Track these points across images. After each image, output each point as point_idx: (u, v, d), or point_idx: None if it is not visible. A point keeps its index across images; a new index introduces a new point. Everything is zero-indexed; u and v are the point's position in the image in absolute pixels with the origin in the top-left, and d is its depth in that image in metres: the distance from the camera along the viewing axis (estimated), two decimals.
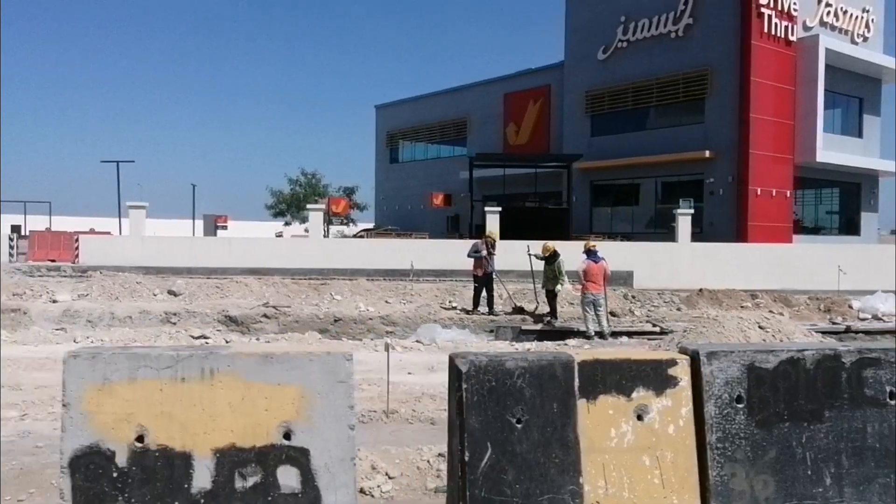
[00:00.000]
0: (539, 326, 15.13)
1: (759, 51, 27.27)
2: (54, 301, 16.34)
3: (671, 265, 19.31)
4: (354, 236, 37.97)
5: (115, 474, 2.96)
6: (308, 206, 21.16)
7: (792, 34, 28.21)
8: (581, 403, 3.24)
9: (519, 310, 16.29)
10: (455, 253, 20.34)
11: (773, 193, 27.89)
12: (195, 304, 16.36)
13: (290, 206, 34.24)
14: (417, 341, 13.92)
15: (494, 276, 16.09)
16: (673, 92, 29.81)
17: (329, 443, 3.03)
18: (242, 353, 3.10)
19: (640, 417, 3.30)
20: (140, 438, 2.99)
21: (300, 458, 3.01)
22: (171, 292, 17.03)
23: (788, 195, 28.57)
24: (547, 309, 16.04)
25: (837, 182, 31.98)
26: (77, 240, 19.70)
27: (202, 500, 2.96)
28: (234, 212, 66.57)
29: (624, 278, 20.06)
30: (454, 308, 16.69)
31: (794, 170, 28.64)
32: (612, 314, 15.91)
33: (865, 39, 31.70)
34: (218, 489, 2.95)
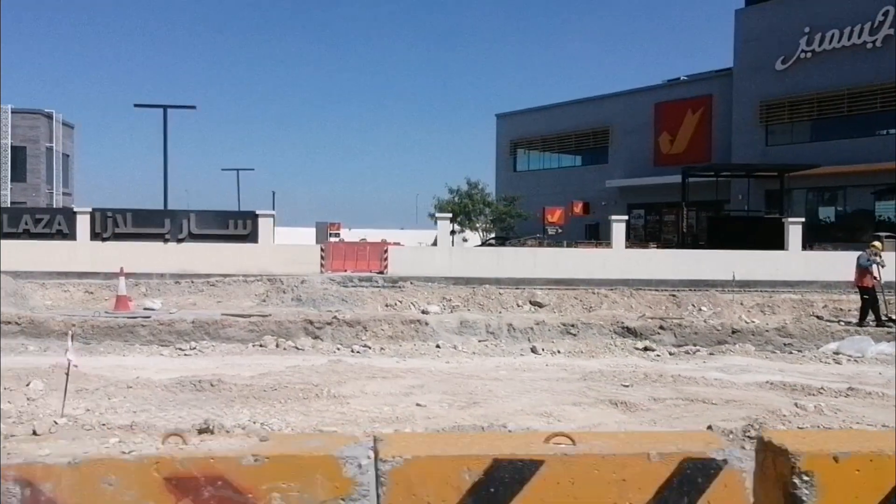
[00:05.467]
0: None
1: None
2: (424, 312, 16.03)
3: None
4: (483, 244, 37.72)
5: None
6: (612, 217, 20.90)
7: None
8: None
9: None
10: (756, 263, 20.19)
11: None
12: (569, 314, 16.06)
13: (456, 215, 34.06)
14: (837, 353, 13.76)
15: (879, 288, 15.94)
16: (868, 102, 29.86)
17: None
18: None
19: None
20: None
21: None
22: (534, 303, 16.75)
23: None
24: None
25: None
26: (386, 251, 19.39)
27: None
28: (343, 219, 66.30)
29: None
30: (820, 318, 16.53)
31: None
32: None
33: None
34: None
